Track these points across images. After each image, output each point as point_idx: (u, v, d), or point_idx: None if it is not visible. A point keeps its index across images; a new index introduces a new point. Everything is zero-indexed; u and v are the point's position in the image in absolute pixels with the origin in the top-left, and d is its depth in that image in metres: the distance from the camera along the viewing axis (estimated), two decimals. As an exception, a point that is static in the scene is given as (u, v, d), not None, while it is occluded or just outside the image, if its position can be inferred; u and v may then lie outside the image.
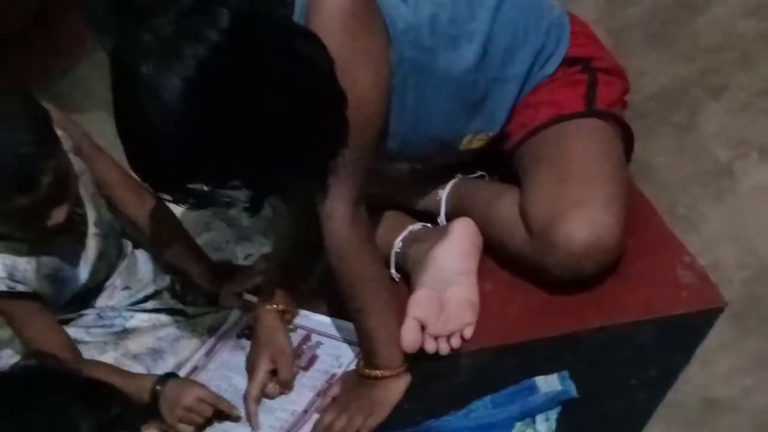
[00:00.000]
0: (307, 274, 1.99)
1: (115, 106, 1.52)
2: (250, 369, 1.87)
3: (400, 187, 1.99)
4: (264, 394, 1.84)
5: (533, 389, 1.58)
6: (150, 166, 1.54)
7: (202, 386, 1.85)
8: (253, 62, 1.48)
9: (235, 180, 1.54)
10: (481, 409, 1.60)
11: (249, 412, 1.83)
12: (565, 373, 1.58)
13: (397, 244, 1.93)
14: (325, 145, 1.60)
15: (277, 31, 1.53)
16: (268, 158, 1.53)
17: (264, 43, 1.50)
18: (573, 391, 1.55)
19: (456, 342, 1.77)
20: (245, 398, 1.84)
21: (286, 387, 1.85)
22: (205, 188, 1.54)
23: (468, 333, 1.78)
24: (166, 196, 1.62)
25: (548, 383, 1.57)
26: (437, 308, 1.78)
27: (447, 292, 1.80)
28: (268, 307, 1.90)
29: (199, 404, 1.81)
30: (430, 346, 1.75)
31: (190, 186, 1.54)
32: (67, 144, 1.89)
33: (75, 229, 1.89)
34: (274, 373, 1.86)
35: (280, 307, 1.91)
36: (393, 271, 1.93)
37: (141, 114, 1.48)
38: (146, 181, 1.60)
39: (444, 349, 1.76)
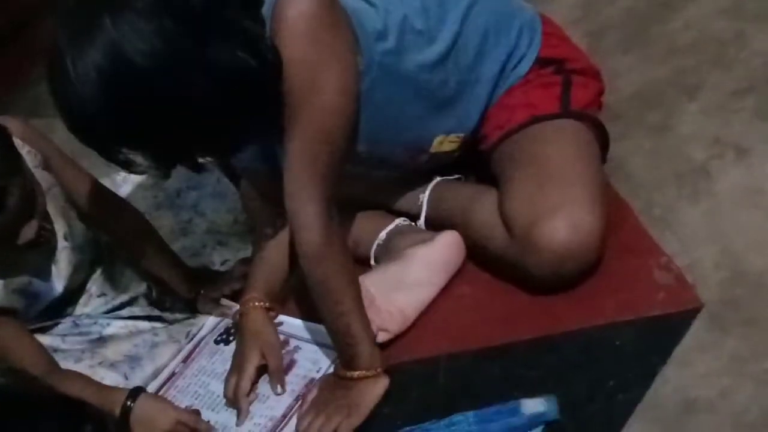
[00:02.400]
0: (285, 276, 1.98)
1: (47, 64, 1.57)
2: (239, 364, 1.85)
3: (381, 191, 2.00)
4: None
5: (517, 411, 1.56)
6: (71, 127, 1.59)
7: (175, 407, 1.83)
8: (165, 43, 1.51)
9: (142, 148, 1.59)
10: (463, 423, 1.59)
11: (241, 409, 1.81)
12: (552, 397, 1.56)
13: (381, 236, 1.93)
14: (239, 129, 1.64)
15: (206, 17, 1.54)
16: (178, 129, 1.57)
17: (186, 29, 1.52)
18: (556, 413, 1.54)
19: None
20: (236, 395, 1.82)
21: (276, 379, 1.83)
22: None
23: (380, 338, 1.78)
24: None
25: (533, 406, 1.56)
26: (368, 299, 1.76)
27: (389, 296, 1.80)
28: (255, 304, 1.89)
29: (177, 428, 1.79)
30: None
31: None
32: (35, 159, 1.88)
33: (44, 244, 1.88)
34: (260, 370, 1.84)
35: (266, 304, 1.90)
36: (372, 263, 1.93)
37: (54, 80, 1.55)
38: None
39: None
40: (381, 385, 1.72)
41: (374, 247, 1.94)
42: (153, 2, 1.50)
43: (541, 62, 1.88)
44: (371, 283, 1.80)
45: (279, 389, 1.83)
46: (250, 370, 1.83)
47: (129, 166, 1.62)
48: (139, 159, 1.60)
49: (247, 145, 1.73)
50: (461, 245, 1.86)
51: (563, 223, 1.66)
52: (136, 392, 1.81)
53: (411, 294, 1.82)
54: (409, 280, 1.82)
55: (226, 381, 1.86)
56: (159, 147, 1.60)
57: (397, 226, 1.94)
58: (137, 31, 1.50)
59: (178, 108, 1.54)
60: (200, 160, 1.70)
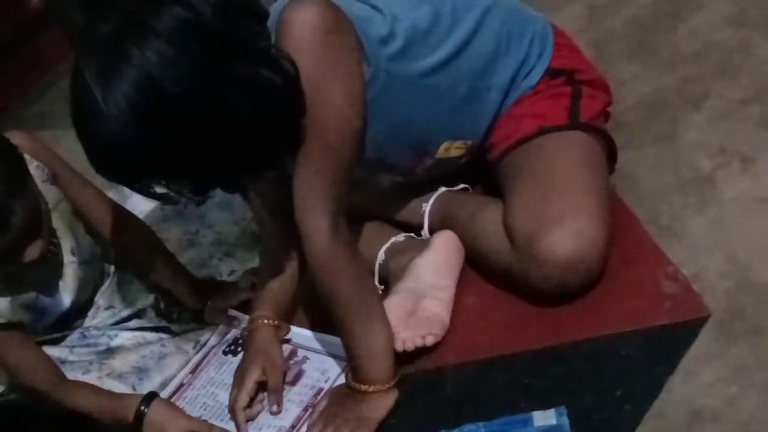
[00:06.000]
0: (293, 291, 1.98)
1: (70, 102, 1.53)
2: (239, 378, 1.85)
3: (384, 201, 2.00)
4: (247, 415, 1.83)
5: (528, 422, 1.57)
6: (97, 162, 1.55)
7: (187, 415, 1.83)
8: (194, 68, 1.49)
9: (181, 178, 1.57)
10: (473, 434, 1.60)
11: (237, 421, 1.82)
12: (563, 409, 1.56)
13: (380, 255, 1.93)
14: (275, 146, 1.63)
15: (228, 37, 1.52)
16: (208, 158, 1.55)
17: (212, 48, 1.50)
18: (567, 427, 1.54)
19: (419, 342, 1.76)
20: (233, 408, 1.83)
21: (273, 398, 1.83)
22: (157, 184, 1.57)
23: (429, 341, 1.77)
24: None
25: (544, 418, 1.56)
26: (406, 316, 1.77)
27: (420, 304, 1.80)
28: (264, 321, 1.89)
29: None
30: (399, 346, 1.74)
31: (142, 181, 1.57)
32: (42, 174, 1.89)
33: (50, 260, 1.88)
34: (262, 386, 1.85)
35: (275, 322, 1.90)
36: (377, 282, 1.93)
37: (84, 115, 1.50)
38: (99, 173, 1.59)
39: (410, 345, 1.75)
40: (390, 397, 1.72)
41: (376, 267, 1.93)
42: (172, 27, 1.48)
43: (551, 73, 1.88)
44: (395, 303, 1.79)
45: (275, 408, 1.83)
46: (249, 385, 1.83)
47: (164, 198, 1.61)
48: (173, 188, 1.58)
49: (282, 159, 1.70)
50: (457, 241, 1.87)
51: (566, 234, 1.66)
52: (151, 397, 1.82)
53: (437, 299, 1.81)
54: (427, 289, 1.82)
55: (229, 395, 1.86)
56: (197, 173, 1.57)
57: (392, 244, 1.94)
58: (165, 57, 1.47)
59: (215, 131, 1.52)
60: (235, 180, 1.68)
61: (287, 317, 1.96)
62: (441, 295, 1.82)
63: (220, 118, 1.51)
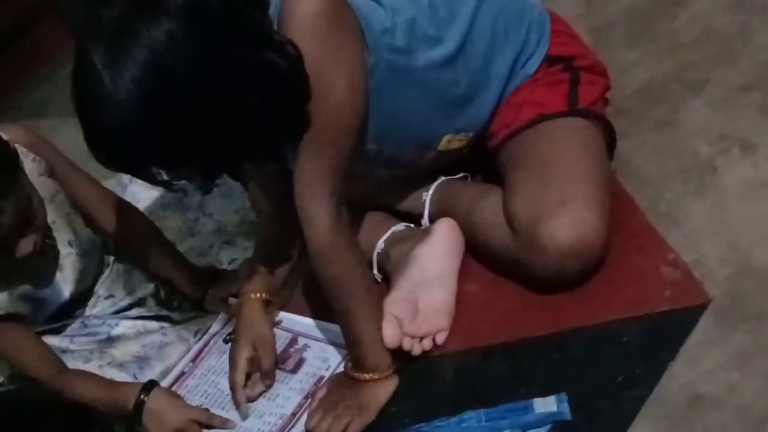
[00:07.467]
0: (287, 273, 1.99)
1: (72, 88, 1.51)
2: (231, 357, 1.87)
3: (384, 190, 1.99)
4: (248, 396, 1.84)
5: (529, 409, 1.57)
6: (101, 149, 1.52)
7: (187, 404, 1.85)
8: (203, 49, 1.47)
9: (188, 165, 1.55)
10: (474, 420, 1.60)
11: (237, 401, 1.83)
12: (563, 396, 1.56)
13: (380, 245, 1.93)
14: (281, 133, 1.62)
15: (234, 22, 1.51)
16: (218, 143, 1.53)
17: (219, 31, 1.49)
18: (567, 414, 1.54)
19: (428, 344, 1.77)
20: (231, 389, 1.84)
21: (267, 376, 1.85)
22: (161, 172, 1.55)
23: (440, 338, 1.78)
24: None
25: (545, 404, 1.57)
26: (412, 309, 1.77)
27: (425, 295, 1.80)
28: (252, 295, 1.90)
29: (190, 425, 1.81)
30: (407, 344, 1.75)
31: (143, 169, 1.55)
32: (39, 167, 1.88)
33: (47, 253, 1.88)
34: (256, 361, 1.85)
35: (264, 296, 1.91)
36: (375, 272, 1.93)
37: (90, 100, 1.48)
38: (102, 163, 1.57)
39: (417, 350, 1.76)
40: (390, 385, 1.72)
41: (375, 256, 1.93)
42: (181, 8, 1.46)
43: (549, 60, 1.87)
44: (401, 296, 1.79)
45: (269, 382, 1.85)
46: (242, 363, 1.84)
47: (168, 185, 1.60)
48: (178, 176, 1.57)
49: (285, 146, 1.69)
50: (458, 228, 1.86)
51: (566, 220, 1.66)
52: (150, 386, 1.82)
53: (441, 287, 1.81)
54: (431, 276, 1.82)
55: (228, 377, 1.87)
56: (206, 160, 1.56)
57: (392, 233, 1.94)
58: (174, 37, 1.45)
59: (222, 114, 1.50)
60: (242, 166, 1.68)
61: (278, 296, 1.96)
62: (447, 282, 1.82)
63: (227, 101, 1.51)
